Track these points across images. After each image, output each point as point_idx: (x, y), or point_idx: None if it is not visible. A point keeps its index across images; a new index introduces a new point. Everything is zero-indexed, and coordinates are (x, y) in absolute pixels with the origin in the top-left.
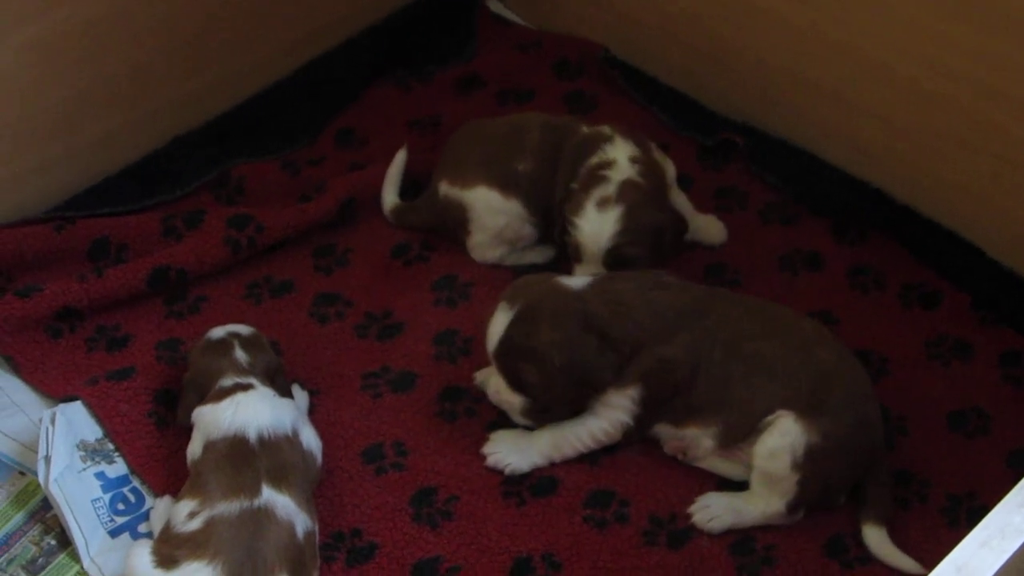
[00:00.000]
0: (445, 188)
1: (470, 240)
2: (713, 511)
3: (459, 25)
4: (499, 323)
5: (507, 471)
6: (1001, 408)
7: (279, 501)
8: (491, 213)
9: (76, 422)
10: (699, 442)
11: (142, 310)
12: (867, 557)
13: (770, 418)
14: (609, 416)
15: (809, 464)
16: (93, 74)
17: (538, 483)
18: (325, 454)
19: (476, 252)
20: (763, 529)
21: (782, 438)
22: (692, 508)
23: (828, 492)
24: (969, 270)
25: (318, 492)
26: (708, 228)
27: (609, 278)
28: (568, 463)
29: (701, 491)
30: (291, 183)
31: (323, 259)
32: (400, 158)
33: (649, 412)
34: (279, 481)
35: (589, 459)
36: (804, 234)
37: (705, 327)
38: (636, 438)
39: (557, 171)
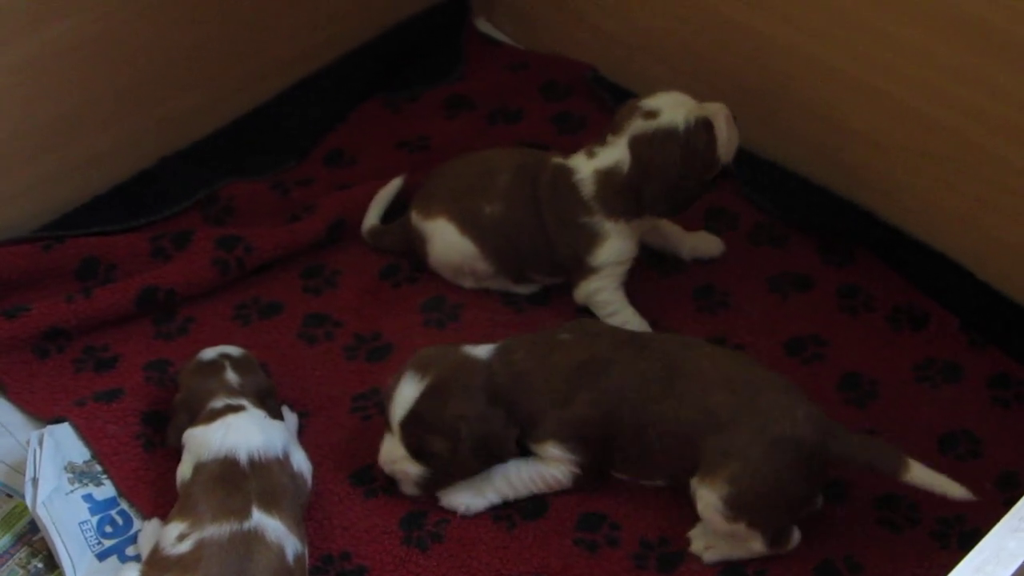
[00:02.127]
0: (414, 217)
1: (432, 268)
2: (710, 540)
3: (447, 45)
4: (407, 393)
5: (461, 511)
6: (991, 431)
7: (269, 524)
8: (446, 247)
9: (64, 444)
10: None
11: (130, 331)
12: None
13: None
14: (556, 465)
15: (741, 509)
16: (82, 94)
17: (529, 506)
18: (314, 476)
19: (447, 277)
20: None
21: (701, 502)
22: (691, 533)
23: (790, 511)
24: (958, 292)
25: (307, 515)
26: (703, 243)
27: (508, 349)
28: None
29: (692, 515)
30: (280, 203)
31: (312, 280)
32: (395, 184)
33: (588, 463)
34: (269, 504)
35: None
36: (793, 255)
37: (606, 387)
38: (590, 486)
39: (538, 211)
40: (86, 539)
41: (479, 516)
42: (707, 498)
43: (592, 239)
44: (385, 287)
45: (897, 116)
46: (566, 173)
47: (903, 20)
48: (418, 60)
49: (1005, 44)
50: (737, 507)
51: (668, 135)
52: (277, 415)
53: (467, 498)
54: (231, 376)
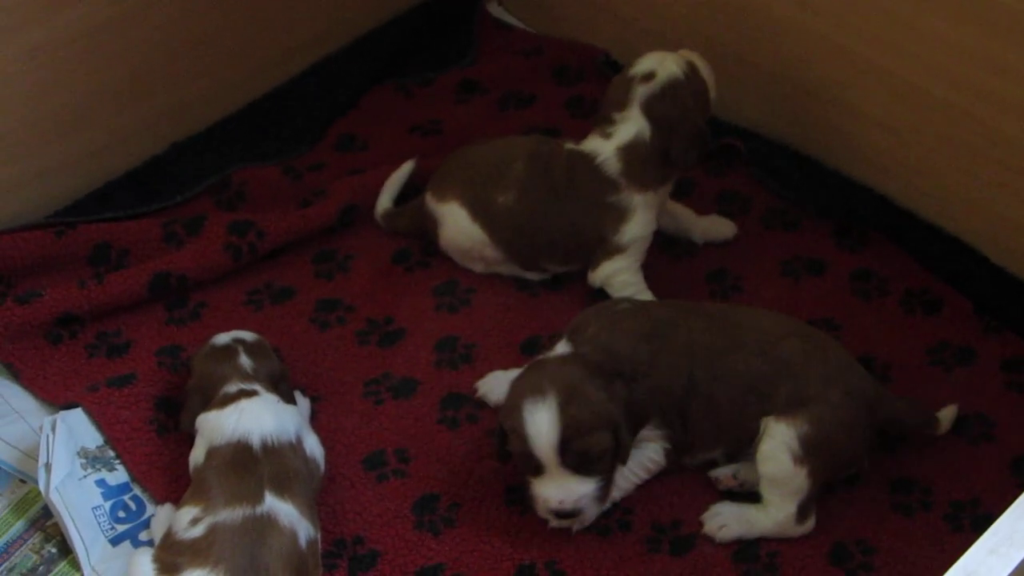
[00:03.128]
0: (428, 199)
1: (443, 250)
2: (723, 519)
3: (460, 30)
4: (546, 418)
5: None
6: (1004, 414)
7: (282, 508)
8: (457, 231)
9: (77, 429)
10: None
11: (143, 316)
12: (871, 564)
13: (760, 427)
14: (648, 446)
15: (810, 455)
16: (94, 80)
17: None
18: (327, 461)
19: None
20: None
21: (773, 440)
22: (704, 516)
23: (843, 468)
24: (972, 276)
25: (319, 499)
26: (714, 227)
27: (577, 329)
28: None
29: (704, 498)
30: (292, 188)
31: (324, 265)
32: (406, 168)
33: (676, 437)
34: (282, 488)
35: None
36: (806, 240)
37: (677, 347)
38: (682, 461)
39: (555, 199)
40: (99, 524)
41: (492, 501)
42: (783, 435)
43: (621, 216)
44: (397, 271)
45: (911, 99)
46: (585, 158)
47: (916, 3)
48: (430, 45)
49: (1018, 26)
50: (809, 448)
51: (675, 86)
52: (290, 400)
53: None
54: (245, 361)
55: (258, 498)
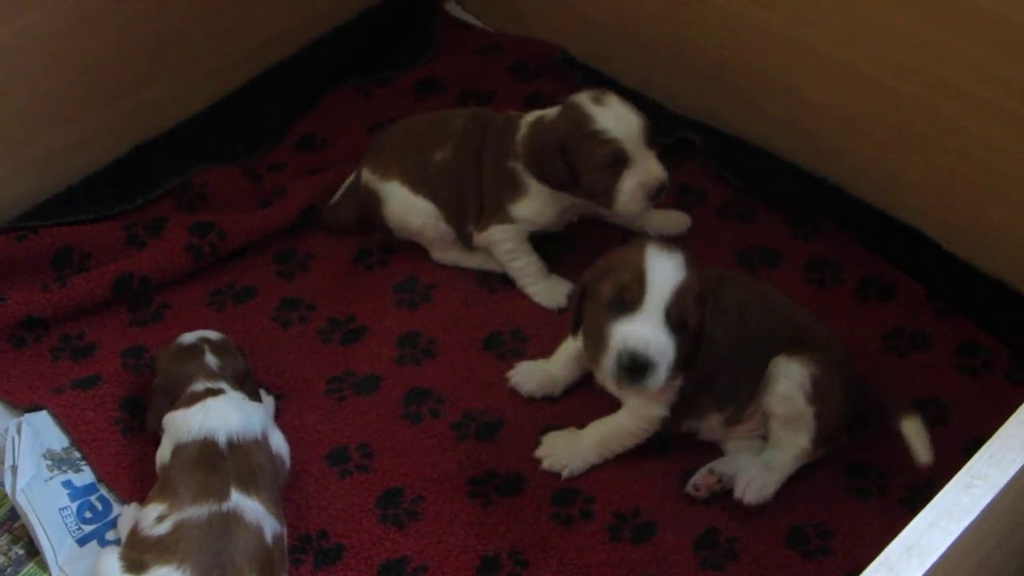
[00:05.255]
0: (366, 175)
1: (388, 224)
2: (759, 481)
3: (418, 29)
4: (671, 263)
5: (564, 474)
6: (959, 398)
7: (248, 505)
8: (404, 209)
9: (42, 431)
10: (711, 427)
11: (106, 318)
12: (828, 548)
13: (770, 368)
14: (647, 411)
15: (819, 395)
16: (53, 84)
17: (504, 482)
18: (291, 457)
19: (399, 234)
20: (726, 522)
21: (788, 378)
22: (736, 492)
23: (836, 423)
24: (924, 262)
25: (285, 495)
26: (669, 220)
27: None
28: (534, 462)
29: (664, 486)
30: (252, 189)
31: (285, 264)
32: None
33: (684, 401)
34: (248, 485)
35: None
36: (762, 230)
37: (717, 307)
38: (672, 430)
39: (481, 162)
40: (66, 525)
41: (455, 493)
42: (797, 374)
43: (517, 189)
44: (358, 270)
45: (863, 90)
46: (515, 121)
47: None
48: (389, 45)
49: (969, 16)
50: (818, 389)
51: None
52: (255, 397)
53: (569, 460)
54: (210, 360)
55: (224, 495)
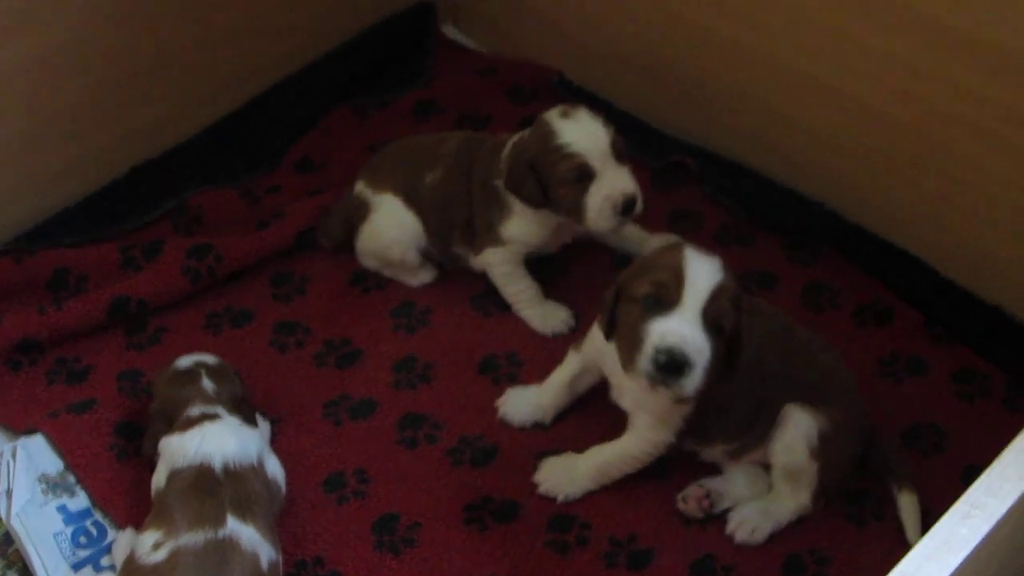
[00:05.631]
0: (360, 187)
1: (359, 241)
2: (752, 523)
3: (416, 51)
4: (708, 266)
5: (560, 499)
6: (956, 425)
7: (244, 531)
8: (388, 223)
9: (37, 455)
10: (713, 454)
11: (102, 341)
12: (825, 574)
13: (781, 414)
14: (652, 436)
15: (823, 451)
16: (50, 105)
17: (500, 508)
18: (287, 483)
19: (359, 255)
20: (723, 548)
21: (796, 429)
22: (729, 527)
23: (842, 474)
24: (921, 288)
25: (280, 521)
26: (664, 244)
27: None
28: (530, 488)
29: (660, 512)
30: (250, 211)
31: (282, 288)
32: None
33: (690, 427)
34: (244, 511)
35: None
36: (758, 254)
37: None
38: (675, 454)
39: (471, 185)
40: (61, 550)
41: (451, 520)
42: (805, 425)
43: (503, 208)
44: (354, 293)
45: (858, 116)
46: (504, 142)
47: (862, 21)
48: (386, 67)
49: (961, 42)
50: (826, 445)
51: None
52: (252, 422)
53: (565, 486)
54: (207, 384)
55: (220, 521)
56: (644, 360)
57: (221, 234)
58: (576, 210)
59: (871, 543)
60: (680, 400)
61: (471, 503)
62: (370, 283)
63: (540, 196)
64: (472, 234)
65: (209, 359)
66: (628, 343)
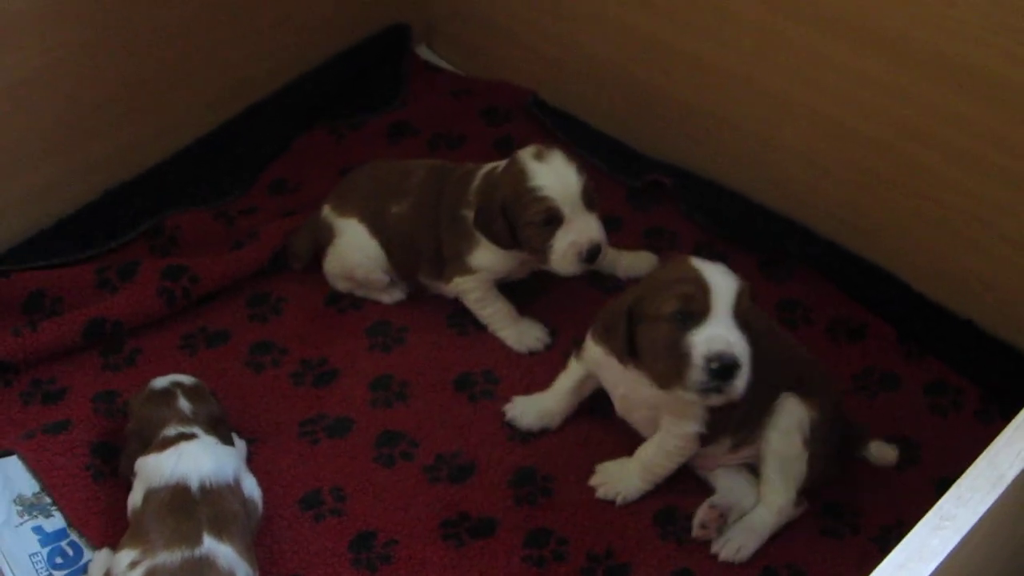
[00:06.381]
0: (327, 211)
1: (326, 264)
2: (736, 541)
3: (390, 72)
4: (726, 271)
5: (619, 501)
6: (929, 438)
7: (220, 550)
8: (352, 247)
9: (13, 476)
10: (715, 452)
11: (78, 363)
12: None
13: (776, 403)
14: (681, 431)
15: (813, 439)
16: (25, 129)
17: (477, 525)
18: (264, 501)
19: (328, 278)
20: (699, 562)
21: (791, 417)
22: (715, 547)
23: (824, 467)
24: (894, 303)
25: (258, 540)
26: (639, 261)
27: None
28: (506, 504)
29: (637, 526)
30: (225, 233)
31: (257, 308)
32: None
33: (714, 419)
34: (220, 530)
35: (528, 499)
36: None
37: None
38: (707, 445)
39: (438, 216)
40: (36, 571)
41: (427, 536)
42: (799, 413)
43: (470, 239)
44: (330, 313)
45: (831, 134)
46: (472, 173)
47: (836, 41)
48: (361, 88)
49: (932, 61)
50: (816, 434)
51: (494, 173)
52: (229, 442)
53: (622, 487)
54: (183, 404)
55: (196, 540)
56: (696, 372)
57: (197, 255)
58: (542, 252)
59: (846, 555)
60: (730, 402)
61: (448, 519)
62: (346, 303)
63: (508, 238)
64: (441, 263)
65: (185, 379)
66: (667, 361)
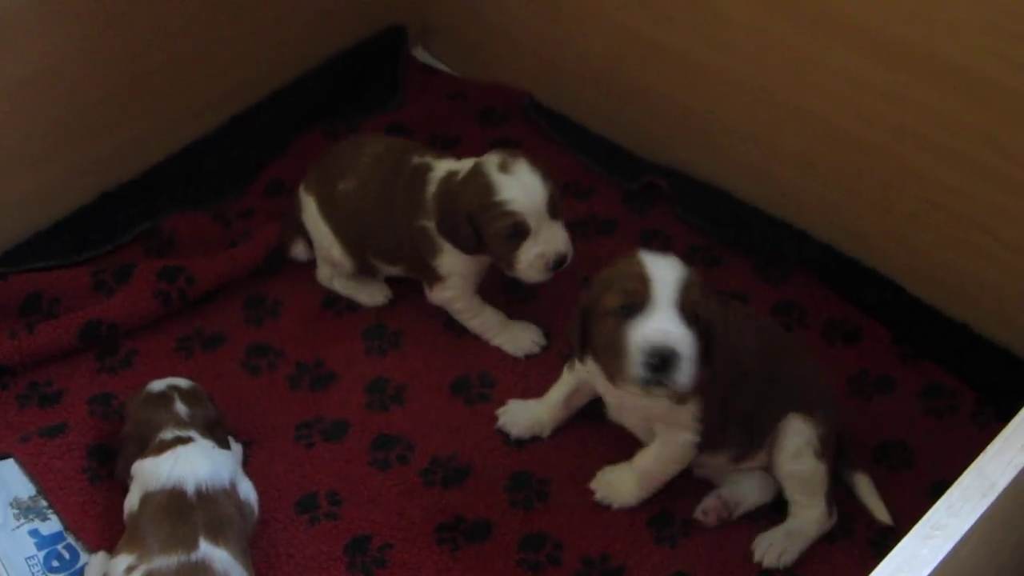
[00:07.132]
0: (300, 188)
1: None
2: (779, 547)
3: (386, 75)
4: (670, 262)
5: (615, 507)
6: (925, 441)
7: (216, 555)
8: (311, 221)
9: (9, 479)
10: (717, 464)
11: (74, 365)
12: None
13: (780, 424)
14: (675, 439)
15: (825, 452)
16: (22, 130)
17: (472, 528)
18: (260, 505)
19: (318, 273)
20: (695, 566)
21: (799, 436)
22: (756, 555)
23: (833, 471)
24: (890, 306)
25: (253, 543)
26: None
27: None
28: (502, 507)
29: (632, 530)
30: (222, 235)
31: (253, 310)
32: None
33: (707, 427)
34: (216, 535)
35: (523, 503)
36: (729, 274)
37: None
38: (702, 456)
39: (390, 203)
40: (33, 574)
41: (423, 540)
42: (807, 432)
43: (432, 245)
44: (327, 316)
45: (827, 137)
46: (423, 174)
47: (831, 44)
48: (358, 90)
49: (927, 64)
50: (826, 447)
51: (453, 178)
52: (225, 445)
53: (618, 495)
54: (180, 407)
55: (193, 545)
56: (633, 365)
57: (193, 257)
58: (508, 262)
59: (840, 558)
60: (679, 398)
61: (443, 523)
62: (342, 306)
63: (475, 244)
64: (392, 257)
65: (182, 382)
66: (611, 356)
